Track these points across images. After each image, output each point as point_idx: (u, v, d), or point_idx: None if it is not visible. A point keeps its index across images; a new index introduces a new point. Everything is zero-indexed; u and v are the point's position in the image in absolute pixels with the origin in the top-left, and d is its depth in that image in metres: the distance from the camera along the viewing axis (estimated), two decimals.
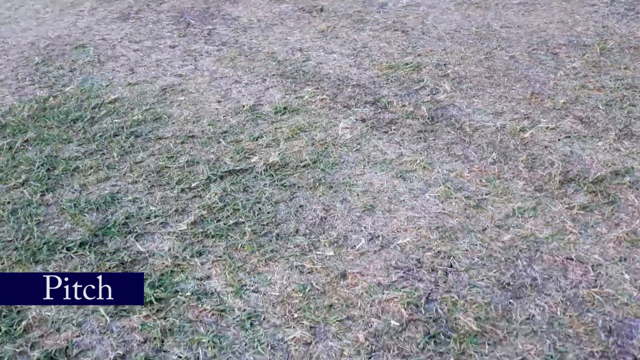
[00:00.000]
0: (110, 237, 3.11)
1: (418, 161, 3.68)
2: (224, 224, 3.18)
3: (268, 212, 3.28)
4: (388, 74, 4.82)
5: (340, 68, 4.98)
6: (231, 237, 3.09)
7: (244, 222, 3.20)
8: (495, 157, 3.69)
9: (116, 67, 5.22)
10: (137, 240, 3.09)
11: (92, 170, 3.68)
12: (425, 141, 3.90)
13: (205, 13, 6.59)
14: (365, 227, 3.15)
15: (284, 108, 4.35)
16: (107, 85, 4.84)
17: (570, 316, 2.59)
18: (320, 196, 3.41)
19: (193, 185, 3.52)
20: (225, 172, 3.63)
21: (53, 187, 3.54)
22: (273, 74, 4.94)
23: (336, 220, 3.21)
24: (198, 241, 3.07)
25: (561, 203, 3.28)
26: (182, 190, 3.48)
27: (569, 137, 3.90)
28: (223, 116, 4.30)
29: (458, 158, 3.71)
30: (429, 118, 4.16)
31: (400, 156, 3.75)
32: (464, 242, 3.01)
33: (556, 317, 2.59)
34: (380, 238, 3.06)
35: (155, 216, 3.27)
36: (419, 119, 4.16)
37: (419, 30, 5.65)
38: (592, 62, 4.79)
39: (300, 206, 3.33)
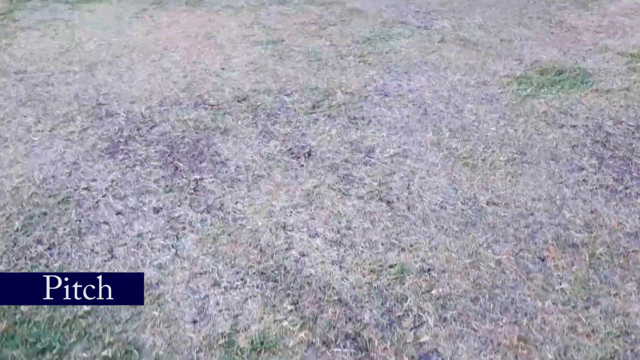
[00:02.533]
0: None
1: None
2: None
3: None
4: (371, 282, 4.26)
5: (323, 266, 4.41)
6: None
7: None
8: None
9: (96, 243, 4.62)
10: None
11: None
12: None
13: (195, 150, 5.98)
14: None
15: (261, 343, 3.78)
16: None
17: None
18: None
19: None
20: None
21: None
22: (254, 272, 4.36)
23: None
24: None
25: None
26: None
27: None
28: (196, 352, 3.73)
29: None
30: None
31: None
32: None
33: None
34: None
35: None
36: None
37: (404, 202, 5.06)
38: (581, 280, 4.22)
39: None
